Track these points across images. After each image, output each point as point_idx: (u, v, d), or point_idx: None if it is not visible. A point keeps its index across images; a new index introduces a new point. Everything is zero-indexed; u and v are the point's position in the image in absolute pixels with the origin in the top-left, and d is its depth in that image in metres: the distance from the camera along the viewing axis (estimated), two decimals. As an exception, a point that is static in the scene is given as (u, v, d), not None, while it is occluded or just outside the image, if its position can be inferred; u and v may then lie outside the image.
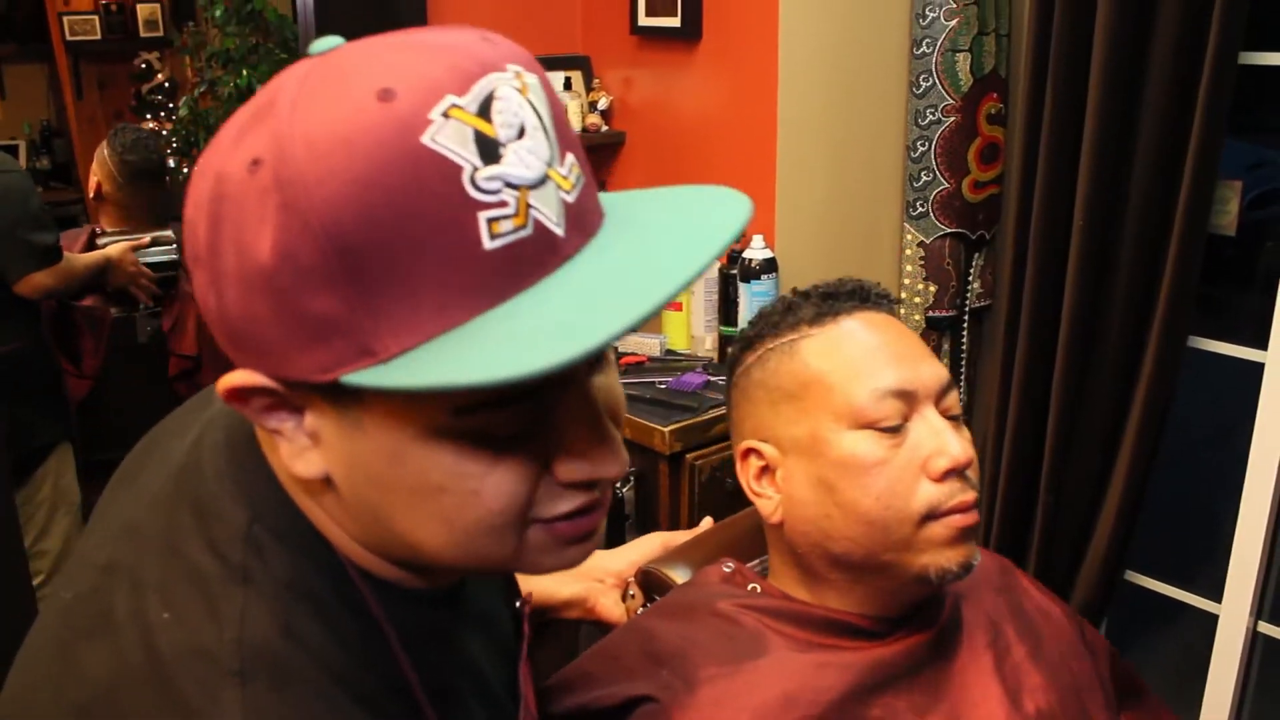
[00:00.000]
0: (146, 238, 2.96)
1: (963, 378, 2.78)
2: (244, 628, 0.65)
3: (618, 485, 2.19)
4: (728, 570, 1.14)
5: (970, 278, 2.69)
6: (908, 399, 1.00)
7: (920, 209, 2.60)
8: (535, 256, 0.59)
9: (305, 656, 0.66)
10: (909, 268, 2.66)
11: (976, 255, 2.68)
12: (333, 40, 0.62)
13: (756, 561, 1.20)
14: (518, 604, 0.95)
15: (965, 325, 2.73)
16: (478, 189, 0.57)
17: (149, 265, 2.94)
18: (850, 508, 1.00)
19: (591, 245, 0.62)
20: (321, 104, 0.57)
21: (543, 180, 0.59)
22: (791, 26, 2.39)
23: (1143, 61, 2.19)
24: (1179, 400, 2.32)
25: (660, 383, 2.36)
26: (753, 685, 1.01)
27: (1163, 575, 2.59)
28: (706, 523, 1.38)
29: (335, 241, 0.55)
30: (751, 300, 2.39)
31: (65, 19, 5.71)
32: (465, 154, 0.56)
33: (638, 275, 0.59)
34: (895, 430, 0.99)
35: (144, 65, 5.93)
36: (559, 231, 0.60)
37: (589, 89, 2.85)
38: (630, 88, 2.81)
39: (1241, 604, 2.35)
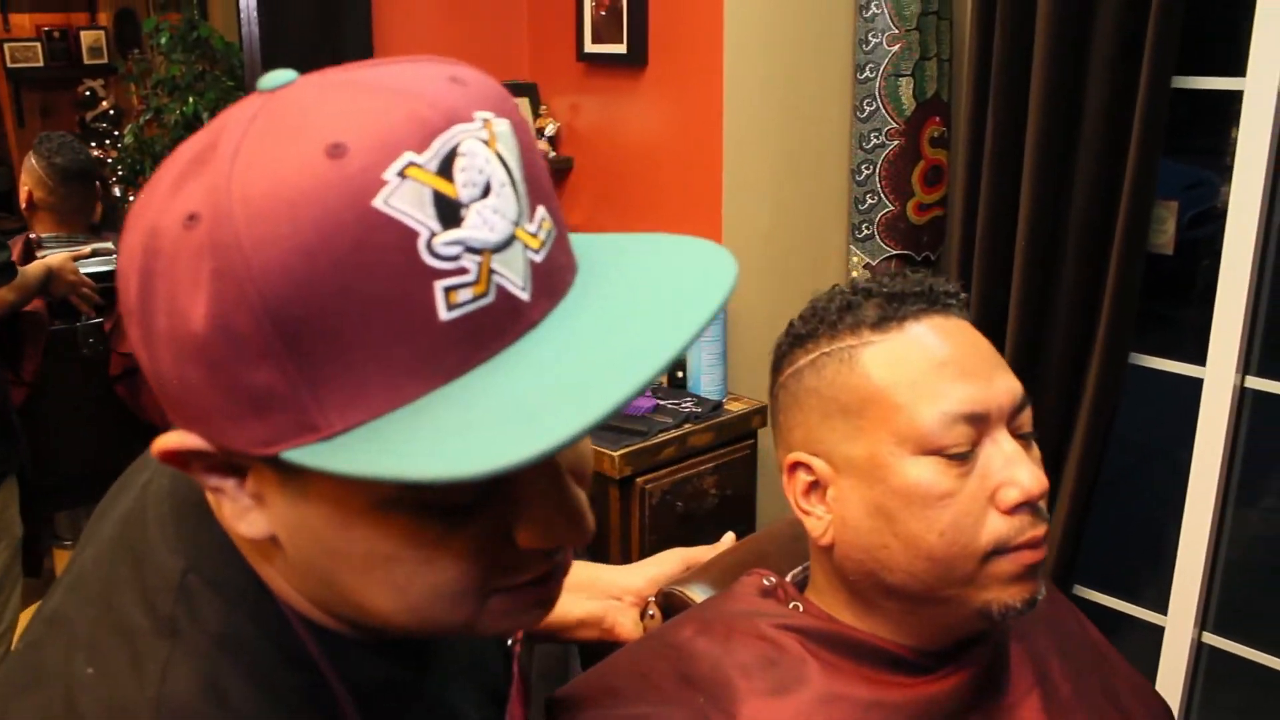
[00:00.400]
0: (88, 248, 2.92)
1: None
2: (164, 684, 0.62)
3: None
4: (768, 584, 1.03)
5: (916, 298, 2.72)
6: (979, 422, 0.89)
7: (866, 231, 2.63)
8: (496, 325, 0.53)
9: (224, 715, 0.62)
10: (856, 289, 2.68)
11: (922, 276, 2.71)
12: (284, 75, 0.56)
13: (799, 569, 1.09)
14: (509, 643, 0.90)
15: (912, 345, 2.76)
16: (435, 256, 0.51)
17: (90, 275, 2.91)
18: (911, 541, 0.90)
19: (559, 309, 0.56)
20: (265, 157, 0.51)
21: (509, 242, 0.53)
22: (736, 52, 2.42)
23: (1080, 86, 2.24)
24: (1121, 417, 2.36)
25: (611, 407, 2.36)
26: None
27: (1110, 589, 2.62)
28: (729, 539, 1.28)
29: (273, 314, 0.50)
30: (701, 323, 2.40)
31: (6, 45, 5.64)
32: (422, 218, 0.51)
33: (609, 351, 0.53)
34: (964, 458, 0.88)
35: (88, 93, 5.86)
36: (524, 296, 0.54)
37: (536, 115, 2.86)
38: (577, 114, 2.83)
39: (1186, 615, 2.39)
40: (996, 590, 0.90)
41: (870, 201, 2.60)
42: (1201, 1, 2.37)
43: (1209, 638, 2.40)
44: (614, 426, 2.25)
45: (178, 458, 0.58)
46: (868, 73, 2.52)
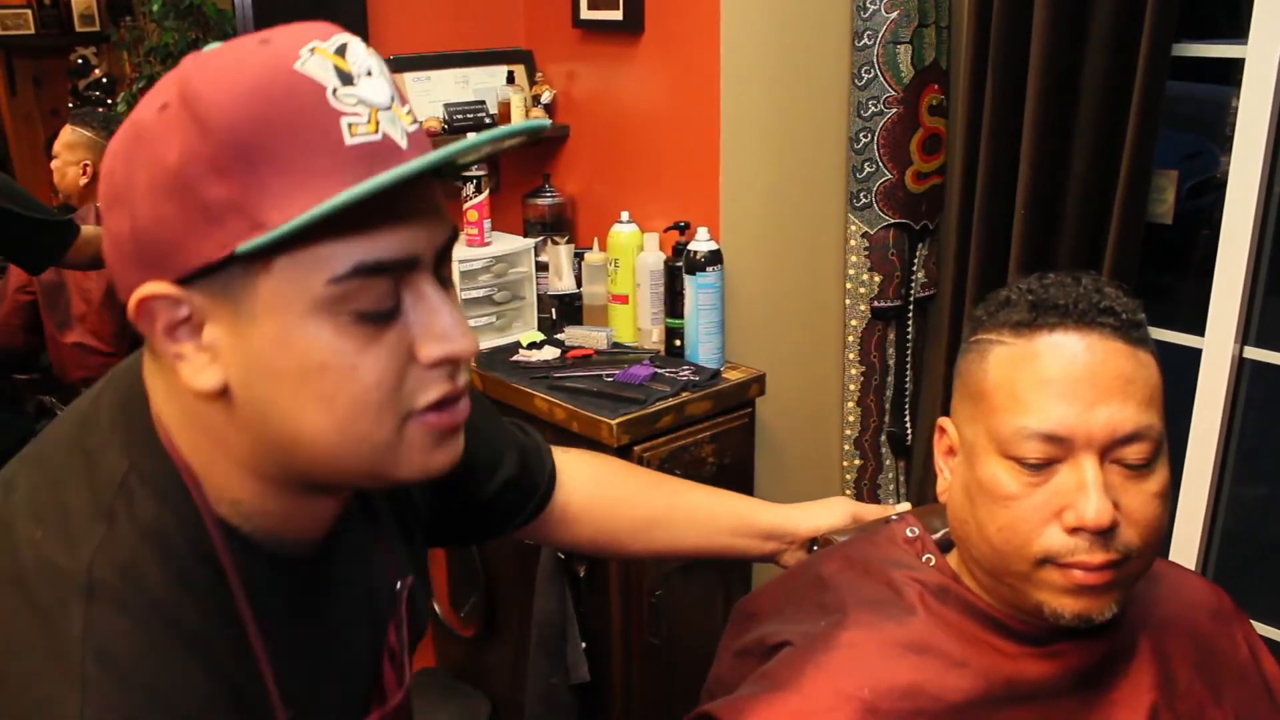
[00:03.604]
0: None
1: (908, 367, 2.80)
2: (95, 557, 0.76)
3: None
4: (910, 535, 1.13)
5: (914, 268, 2.72)
6: (1061, 444, 0.95)
7: (864, 200, 2.62)
8: (384, 156, 0.74)
9: (141, 596, 0.76)
10: (853, 258, 2.68)
11: (920, 245, 2.71)
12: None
13: (944, 531, 1.17)
14: (398, 585, 1.01)
15: (910, 315, 2.76)
16: (340, 101, 0.72)
17: None
18: (979, 526, 1.00)
19: (422, 155, 0.76)
20: (214, 56, 0.74)
21: (388, 107, 0.75)
22: (733, 19, 2.39)
23: (1080, 53, 2.22)
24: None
25: (607, 375, 2.35)
26: (885, 663, 1.01)
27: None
28: (904, 507, 1.37)
29: (229, 136, 0.70)
30: (697, 292, 2.39)
31: (-4, 16, 5.59)
32: (328, 78, 0.73)
33: (450, 151, 0.74)
34: (1037, 468, 0.96)
35: (80, 60, 5.82)
36: (403, 145, 0.75)
37: (532, 83, 2.84)
38: (573, 81, 2.80)
39: (1182, 586, 2.39)
40: (1048, 594, 0.97)
41: (868, 170, 2.59)
42: (1203, -32, 2.35)
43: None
44: (611, 394, 2.24)
45: (147, 308, 0.74)
46: (866, 40, 2.50)
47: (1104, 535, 0.93)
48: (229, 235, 0.71)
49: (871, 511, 1.37)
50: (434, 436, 0.80)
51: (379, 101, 0.75)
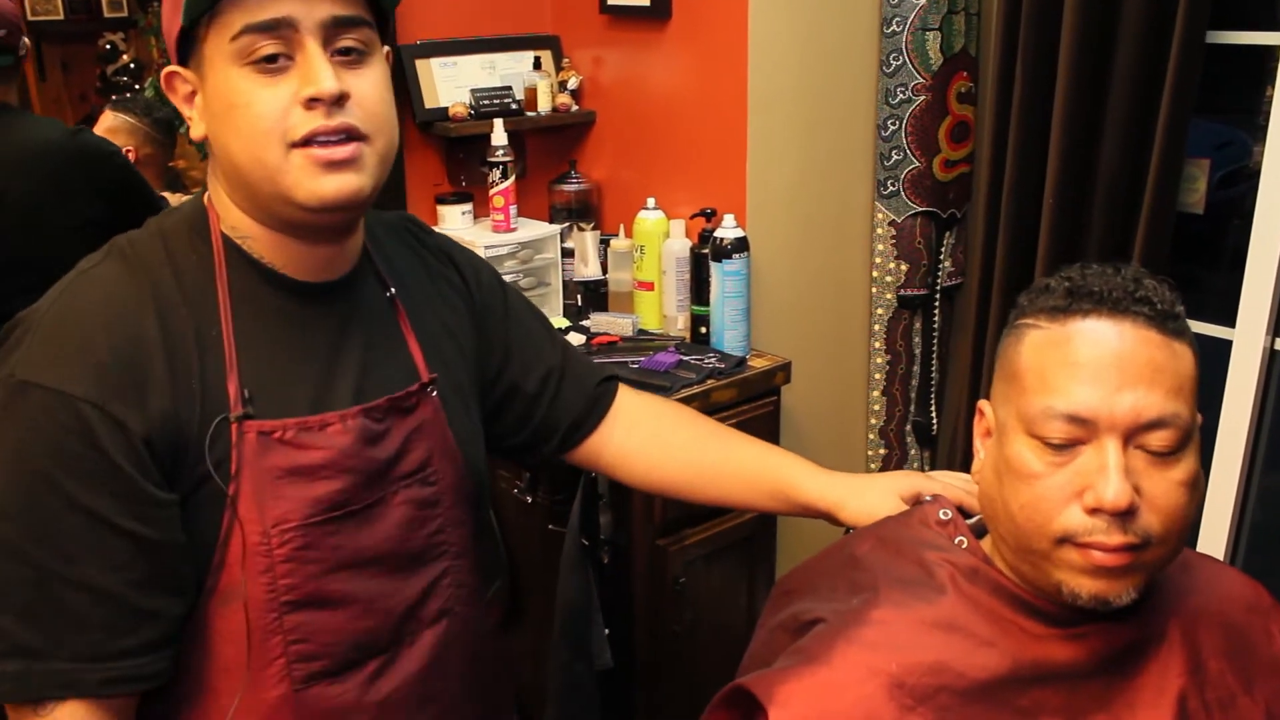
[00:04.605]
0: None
1: (934, 356, 2.79)
2: (122, 238, 1.11)
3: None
4: (943, 517, 1.15)
5: (941, 256, 2.70)
6: (1085, 425, 0.97)
7: (891, 188, 2.60)
8: None
9: (138, 263, 1.08)
10: (880, 246, 2.67)
11: (947, 234, 2.69)
12: None
13: (978, 518, 1.18)
14: (425, 379, 1.22)
15: (937, 304, 2.74)
16: None
17: None
18: (1004, 503, 1.02)
19: None
20: None
21: None
22: (761, 4, 2.38)
23: (1111, 40, 2.20)
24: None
25: (633, 363, 2.35)
26: (914, 640, 1.03)
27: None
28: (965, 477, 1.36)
29: None
30: (723, 279, 2.38)
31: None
32: None
33: None
34: (1061, 448, 0.98)
35: (108, 46, 5.84)
36: None
37: (559, 68, 2.84)
38: (600, 67, 2.80)
39: (1209, 578, 2.37)
40: (1066, 574, 0.98)
41: (896, 157, 2.57)
42: (1238, -46, 2.32)
43: (1232, 600, 2.39)
44: (637, 382, 2.24)
45: (170, 82, 1.08)
46: (894, 26, 2.49)
47: (1122, 518, 0.95)
48: (179, 13, 1.01)
49: (936, 486, 1.33)
50: (317, 167, 1.03)
51: None
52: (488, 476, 1.34)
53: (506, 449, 1.45)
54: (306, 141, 1.02)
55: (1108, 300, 0.99)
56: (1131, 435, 0.96)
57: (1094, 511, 0.95)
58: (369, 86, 1.06)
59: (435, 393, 1.22)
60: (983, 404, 1.12)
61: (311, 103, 1.01)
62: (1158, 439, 0.96)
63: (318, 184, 1.03)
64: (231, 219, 1.11)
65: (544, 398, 1.41)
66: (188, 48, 1.05)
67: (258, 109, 1.01)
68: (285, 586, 1.07)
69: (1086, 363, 0.98)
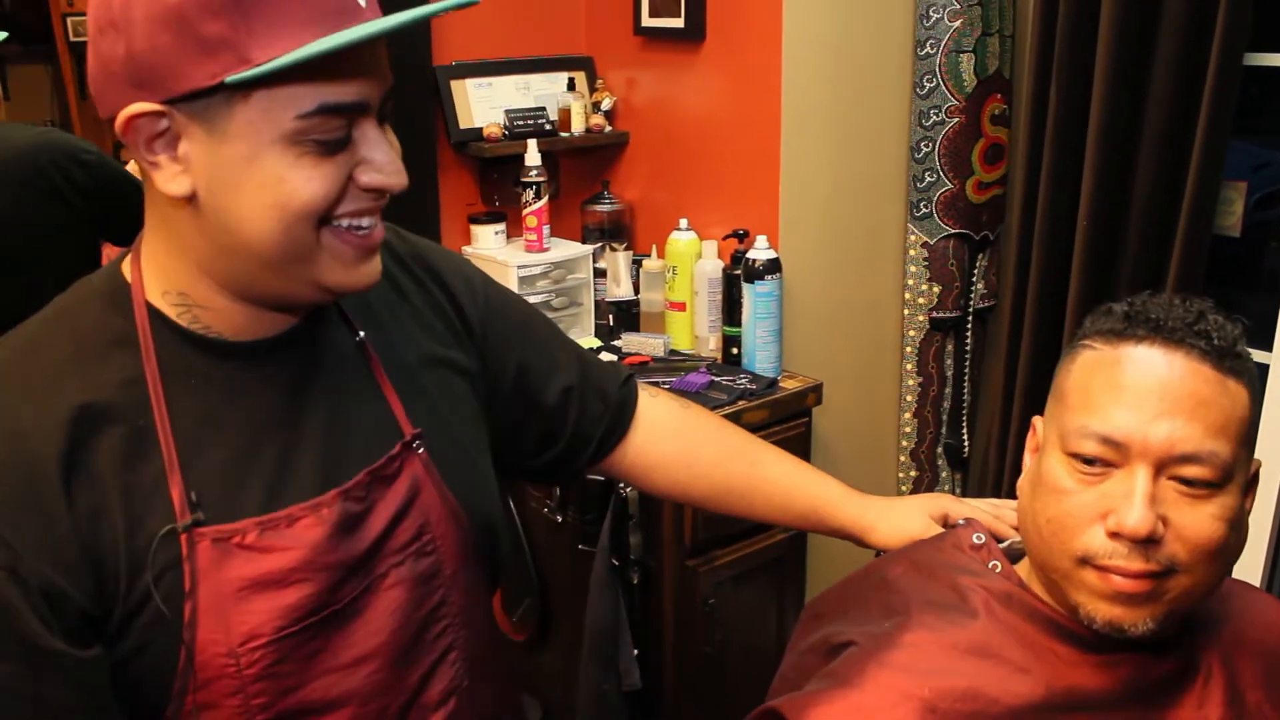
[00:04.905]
0: None
1: (966, 378, 2.78)
2: (10, 335, 0.95)
3: (621, 486, 2.19)
4: (977, 542, 1.14)
5: (974, 278, 2.69)
6: (1118, 449, 0.96)
7: (924, 210, 2.60)
8: (349, 12, 0.87)
9: (32, 361, 0.93)
10: (913, 268, 2.66)
11: (980, 256, 2.68)
12: None
13: (1010, 541, 1.19)
14: (407, 436, 1.06)
15: (969, 326, 2.73)
16: None
17: None
18: (1033, 516, 1.03)
19: (380, 19, 0.88)
20: None
21: None
22: (795, 27, 2.39)
23: (1147, 62, 2.19)
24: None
25: (664, 383, 2.35)
26: (947, 665, 1.02)
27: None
28: (1009, 504, 1.33)
29: None
30: (755, 300, 2.38)
31: (69, 19, 5.69)
32: None
33: (405, 16, 0.86)
34: (1092, 466, 0.98)
35: (148, 66, 5.90)
36: (363, 4, 0.89)
37: (592, 89, 2.85)
38: (634, 88, 2.81)
39: (1246, 605, 2.34)
40: (1085, 596, 0.98)
41: (929, 179, 2.57)
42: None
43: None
44: (667, 403, 2.24)
45: (134, 124, 0.86)
46: (928, 48, 2.48)
47: (1144, 545, 0.94)
48: (220, 67, 0.83)
49: (966, 510, 1.31)
50: (354, 252, 0.94)
51: None
52: (504, 518, 1.20)
53: (534, 471, 1.34)
54: (335, 219, 0.91)
55: (1164, 329, 0.99)
56: (1165, 465, 0.95)
57: (1115, 536, 0.95)
58: (398, 147, 0.97)
59: (422, 449, 1.06)
60: (1036, 420, 1.12)
61: (372, 188, 0.92)
62: (1192, 472, 0.95)
63: (355, 272, 0.95)
64: (174, 283, 0.95)
65: (567, 413, 1.29)
66: (195, 94, 0.85)
67: (310, 190, 0.88)
68: (260, 705, 0.94)
69: (1130, 387, 0.97)
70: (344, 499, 0.99)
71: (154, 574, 0.89)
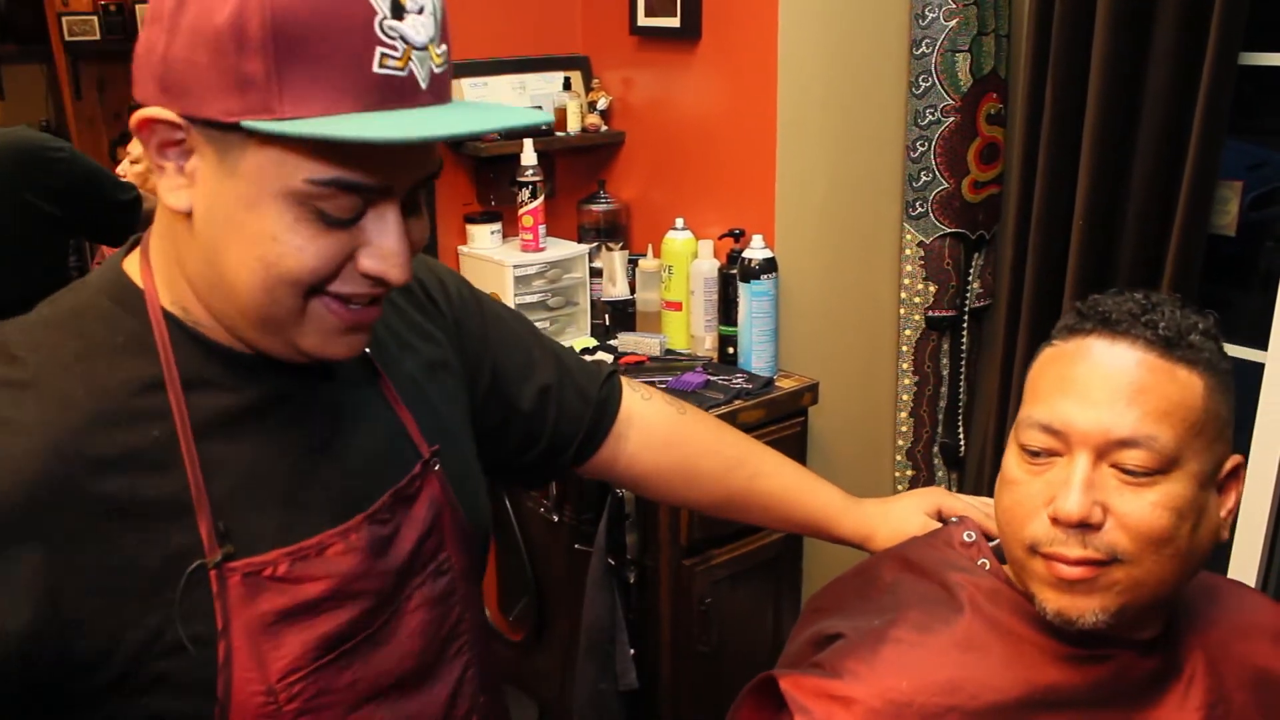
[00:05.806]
0: None
1: (962, 377, 2.78)
2: (11, 327, 0.88)
3: (617, 489, 2.19)
4: (967, 539, 1.17)
5: (970, 278, 2.69)
6: (1059, 437, 0.99)
7: (920, 209, 2.60)
8: (402, 91, 0.81)
9: (33, 371, 0.84)
10: (909, 268, 2.66)
11: (976, 255, 2.68)
12: None
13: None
14: (425, 454, 1.04)
15: (965, 325, 2.73)
16: (382, 32, 0.78)
17: None
18: (997, 510, 1.06)
19: (439, 106, 0.85)
20: None
21: (424, 48, 0.82)
22: (791, 26, 2.39)
23: (1143, 61, 2.19)
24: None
25: (660, 382, 2.35)
26: (929, 659, 1.03)
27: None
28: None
29: (276, 23, 0.75)
30: (751, 300, 2.38)
31: (64, 19, 5.69)
32: (381, 5, 0.78)
33: (459, 122, 0.81)
34: (1038, 457, 1.00)
35: (143, 65, 5.90)
36: (423, 85, 0.83)
37: (588, 89, 2.85)
38: (630, 88, 2.81)
39: (1241, 604, 2.35)
40: (1037, 585, 1.00)
41: (925, 179, 2.57)
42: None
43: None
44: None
45: (150, 125, 0.81)
46: (924, 48, 2.49)
47: (1082, 531, 0.96)
48: (242, 107, 0.77)
49: (960, 506, 1.32)
50: (337, 323, 0.87)
51: (417, 41, 0.81)
52: (490, 520, 1.18)
53: (518, 470, 1.30)
54: (326, 291, 0.85)
55: (1109, 321, 1.00)
56: (1104, 452, 0.97)
57: (1056, 522, 0.97)
58: (420, 235, 0.90)
59: (438, 466, 1.04)
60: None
61: (372, 275, 0.85)
62: (1132, 458, 0.96)
63: (334, 342, 0.89)
64: (179, 297, 0.90)
65: (546, 412, 1.26)
66: (212, 123, 0.80)
67: (299, 260, 0.82)
68: None
69: (1075, 378, 1.00)
70: (370, 522, 0.95)
71: (181, 614, 0.84)
